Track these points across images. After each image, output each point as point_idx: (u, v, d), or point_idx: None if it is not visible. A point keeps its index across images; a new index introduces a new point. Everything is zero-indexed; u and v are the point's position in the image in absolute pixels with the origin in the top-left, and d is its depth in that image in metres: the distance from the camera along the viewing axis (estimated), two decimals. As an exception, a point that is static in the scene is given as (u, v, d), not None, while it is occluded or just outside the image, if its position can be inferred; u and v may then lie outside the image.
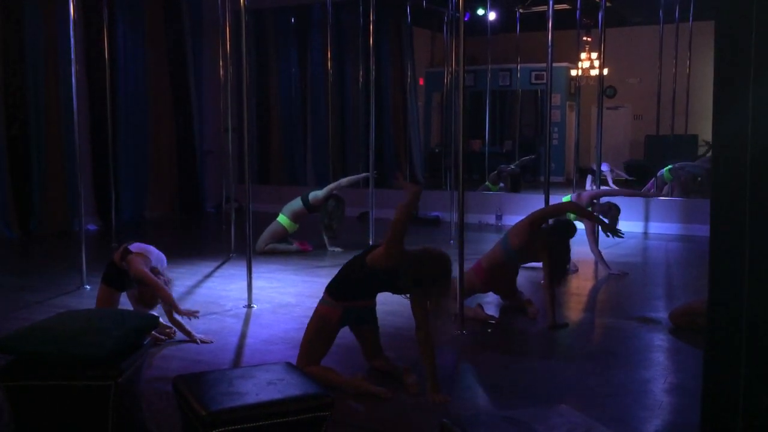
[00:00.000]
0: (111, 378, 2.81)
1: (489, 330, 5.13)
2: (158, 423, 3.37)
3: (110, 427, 2.83)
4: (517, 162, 12.94)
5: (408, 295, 3.97)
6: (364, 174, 8.77)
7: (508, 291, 5.59)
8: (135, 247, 4.71)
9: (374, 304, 4.11)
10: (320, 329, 4.01)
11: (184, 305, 4.81)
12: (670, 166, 11.11)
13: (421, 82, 16.33)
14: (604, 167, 12.40)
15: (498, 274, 5.46)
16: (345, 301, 3.98)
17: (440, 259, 3.88)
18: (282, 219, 8.32)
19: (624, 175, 13.52)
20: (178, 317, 4.74)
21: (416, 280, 3.85)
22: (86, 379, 2.81)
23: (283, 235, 8.29)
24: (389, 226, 3.93)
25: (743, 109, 2.61)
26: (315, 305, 5.71)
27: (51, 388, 2.82)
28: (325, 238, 8.41)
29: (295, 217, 8.31)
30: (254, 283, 5.86)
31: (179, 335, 4.80)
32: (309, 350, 4.00)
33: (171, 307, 4.64)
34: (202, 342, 4.71)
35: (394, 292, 4.05)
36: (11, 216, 9.27)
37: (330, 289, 4.04)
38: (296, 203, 8.34)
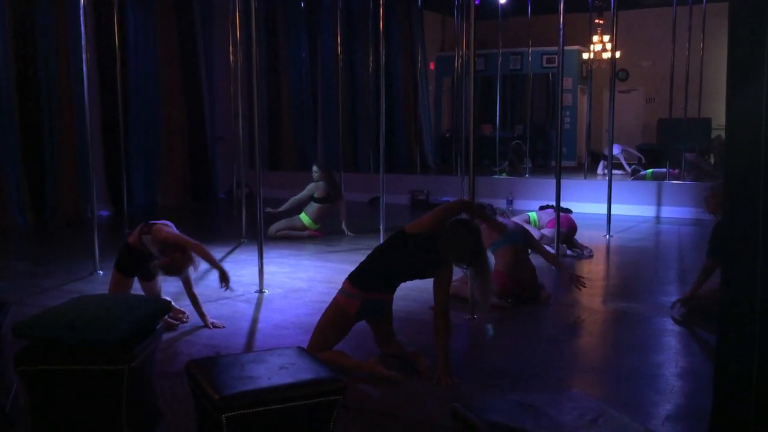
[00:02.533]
0: (124, 362, 2.83)
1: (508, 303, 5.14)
2: (171, 407, 3.40)
3: (124, 411, 2.85)
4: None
5: (439, 273, 3.91)
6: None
7: (530, 287, 5.50)
8: (155, 222, 4.74)
9: (392, 300, 4.06)
10: (335, 320, 3.97)
11: (196, 290, 4.84)
12: (651, 170, 11.44)
13: (432, 66, 16.28)
14: (616, 149, 12.42)
15: (516, 269, 5.43)
16: (365, 290, 3.90)
17: (476, 228, 3.98)
18: (304, 217, 8.32)
19: (636, 154, 13.47)
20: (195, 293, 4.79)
21: (461, 247, 3.84)
22: (100, 364, 2.83)
23: (300, 230, 8.30)
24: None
25: (757, 92, 2.58)
26: (326, 290, 5.73)
27: (65, 373, 2.85)
28: (343, 224, 8.46)
29: (316, 218, 8.30)
30: (266, 268, 5.88)
31: (192, 321, 4.83)
32: (321, 339, 3.96)
33: (211, 263, 4.63)
34: (215, 326, 4.73)
35: (423, 274, 3.97)
36: (25, 203, 9.33)
37: (352, 278, 3.98)
38: (311, 206, 8.33)
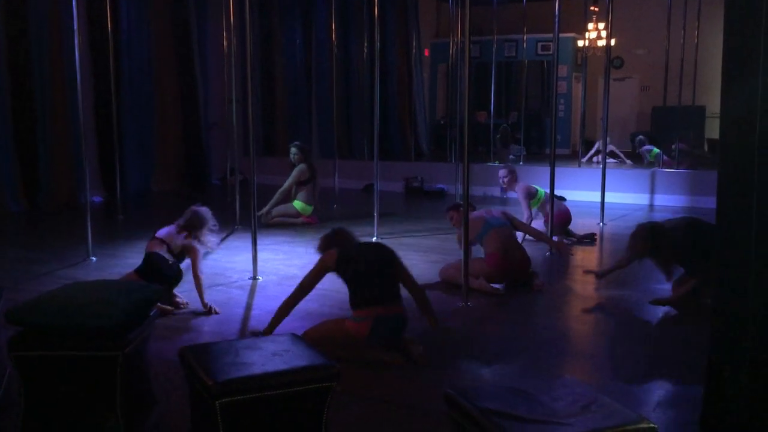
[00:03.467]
0: (118, 348, 2.83)
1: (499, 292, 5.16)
2: (165, 393, 3.40)
3: (118, 397, 2.85)
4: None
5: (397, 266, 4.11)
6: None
7: (524, 269, 5.53)
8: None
9: (405, 314, 3.98)
10: (341, 341, 3.90)
11: (191, 277, 4.84)
12: (657, 150, 11.61)
13: (427, 53, 16.21)
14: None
15: (507, 250, 5.45)
16: (374, 305, 3.84)
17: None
18: (297, 203, 8.29)
19: (619, 154, 13.27)
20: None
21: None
22: (94, 350, 2.83)
23: (293, 216, 8.28)
24: None
25: (753, 79, 2.58)
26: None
27: (59, 359, 2.84)
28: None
29: (308, 199, 8.28)
30: (259, 255, 5.87)
31: (190, 307, 4.84)
32: (318, 341, 3.82)
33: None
34: (211, 311, 4.73)
35: (392, 270, 4.04)
36: (18, 189, 9.30)
37: (353, 302, 3.94)
38: (301, 192, 8.30)
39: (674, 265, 4.95)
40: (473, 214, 5.63)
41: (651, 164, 11.69)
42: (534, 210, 7.20)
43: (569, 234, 7.28)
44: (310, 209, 8.30)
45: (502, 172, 7.47)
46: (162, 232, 4.89)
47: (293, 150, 8.43)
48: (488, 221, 5.54)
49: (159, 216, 7.44)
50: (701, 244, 4.79)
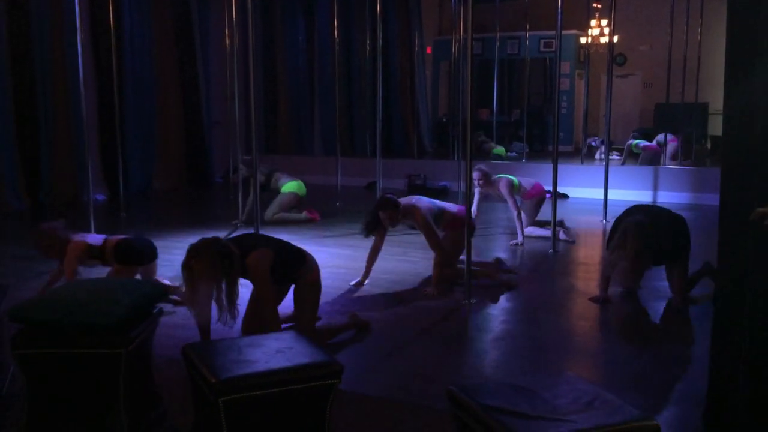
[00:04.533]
0: (121, 346, 2.83)
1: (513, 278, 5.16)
2: (169, 391, 3.40)
3: (121, 395, 2.86)
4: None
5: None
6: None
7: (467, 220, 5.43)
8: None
9: None
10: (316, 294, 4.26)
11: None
12: (637, 141, 11.71)
13: (429, 50, 16.20)
14: (594, 142, 12.52)
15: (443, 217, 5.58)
16: (305, 257, 4.17)
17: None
18: (289, 186, 8.25)
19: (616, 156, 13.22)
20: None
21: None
22: (96, 347, 2.83)
23: (293, 202, 8.25)
24: None
25: (755, 76, 2.58)
26: (323, 275, 5.75)
27: (62, 356, 2.85)
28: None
29: (291, 178, 8.31)
30: (262, 252, 5.85)
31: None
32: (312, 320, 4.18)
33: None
34: None
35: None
36: (20, 187, 9.30)
37: (296, 269, 4.15)
38: (280, 179, 8.31)
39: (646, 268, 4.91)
40: (419, 204, 5.51)
41: (644, 159, 11.61)
42: (518, 198, 7.15)
43: (567, 229, 7.25)
44: (303, 186, 8.27)
45: (476, 174, 7.10)
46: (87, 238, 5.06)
47: (242, 167, 8.24)
48: (436, 205, 5.55)
49: (161, 214, 7.44)
50: (667, 233, 4.79)
